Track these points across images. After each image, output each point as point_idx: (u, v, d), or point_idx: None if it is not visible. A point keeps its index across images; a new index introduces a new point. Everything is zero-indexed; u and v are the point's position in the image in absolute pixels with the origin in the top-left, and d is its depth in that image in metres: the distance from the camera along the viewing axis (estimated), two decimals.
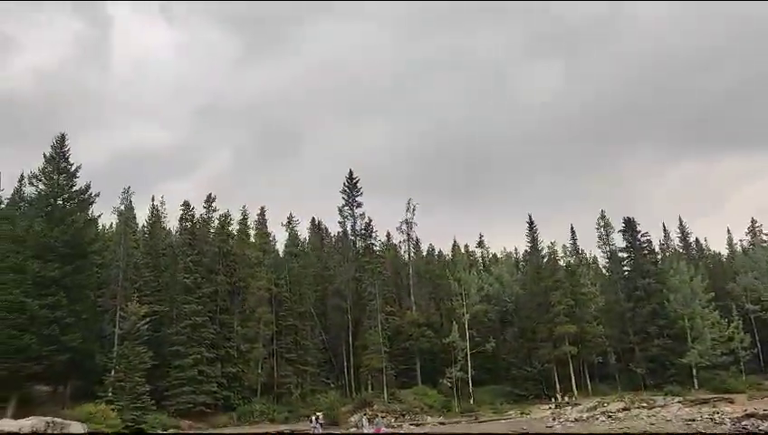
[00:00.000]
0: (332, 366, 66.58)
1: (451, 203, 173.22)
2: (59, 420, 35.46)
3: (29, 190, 52.64)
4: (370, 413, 51.08)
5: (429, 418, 53.84)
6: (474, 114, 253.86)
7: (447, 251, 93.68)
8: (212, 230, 62.40)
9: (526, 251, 78.58)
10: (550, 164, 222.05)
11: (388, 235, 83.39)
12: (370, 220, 68.18)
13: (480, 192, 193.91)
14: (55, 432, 33.84)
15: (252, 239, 67.48)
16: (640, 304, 65.97)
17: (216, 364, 53.38)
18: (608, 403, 51.20)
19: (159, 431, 43.37)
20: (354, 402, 56.86)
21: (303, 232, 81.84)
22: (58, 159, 49.76)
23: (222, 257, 59.71)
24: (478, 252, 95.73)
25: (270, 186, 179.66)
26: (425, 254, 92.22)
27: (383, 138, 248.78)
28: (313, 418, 43.67)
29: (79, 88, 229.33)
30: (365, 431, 42.38)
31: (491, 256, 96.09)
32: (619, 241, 73.28)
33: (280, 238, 74.76)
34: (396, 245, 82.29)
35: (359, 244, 69.31)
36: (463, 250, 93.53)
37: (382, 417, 49.73)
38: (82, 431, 35.51)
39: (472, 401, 59.50)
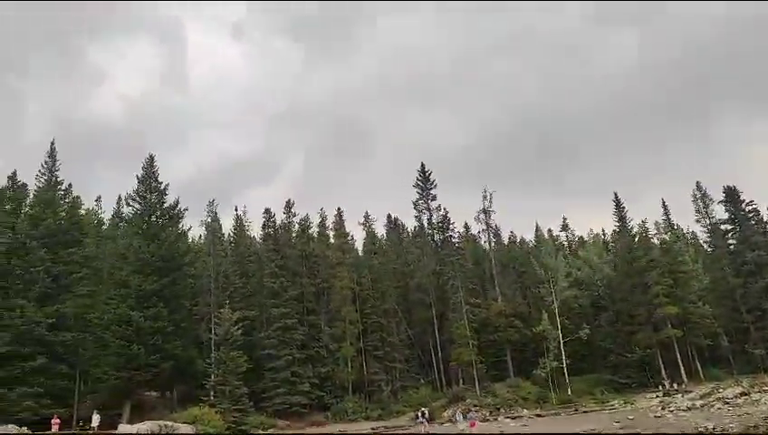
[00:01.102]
0: (420, 361, 66.59)
1: (528, 187, 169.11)
2: (170, 423, 37.89)
3: (126, 210, 56.57)
4: (464, 407, 50.54)
5: (525, 411, 52.54)
6: (546, 93, 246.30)
7: (530, 237, 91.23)
8: (293, 234, 64.13)
9: (615, 231, 74.84)
10: (632, 137, 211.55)
11: (466, 226, 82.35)
12: (447, 212, 67.59)
13: (559, 173, 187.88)
14: (169, 433, 36.26)
15: (331, 240, 68.77)
16: (751, 280, 60.73)
17: (307, 365, 54.79)
18: (723, 389, 46.79)
19: (260, 432, 45.07)
20: (446, 397, 56.52)
21: (381, 229, 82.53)
22: (149, 179, 53.06)
23: (304, 260, 61.27)
24: (563, 236, 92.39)
25: (345, 185, 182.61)
26: (506, 242, 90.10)
27: (453, 127, 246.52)
28: (419, 413, 43.90)
29: (162, 109, 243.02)
30: (459, 426, 42.00)
31: (577, 239, 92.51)
32: (720, 213, 68.30)
33: (358, 237, 75.75)
34: (475, 235, 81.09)
35: (437, 237, 68.84)
36: (546, 235, 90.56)
37: (476, 411, 49.13)
38: (191, 432, 37.70)
39: (569, 392, 57.40)
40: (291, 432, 47.33)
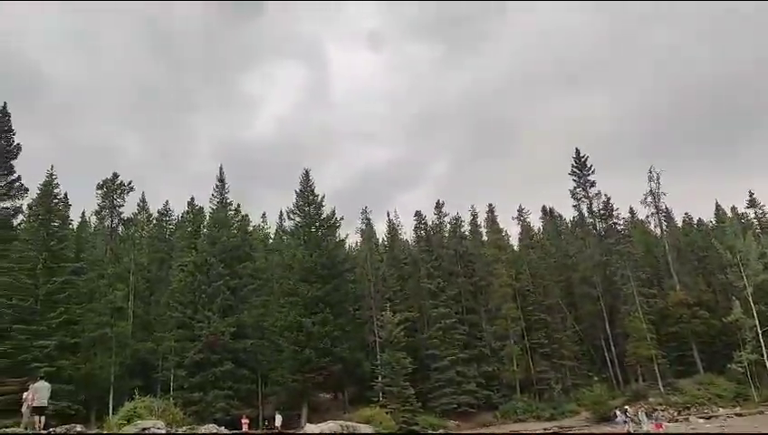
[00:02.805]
0: (592, 358, 62.46)
1: (698, 164, 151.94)
2: (351, 423, 39.43)
3: (288, 223, 60.65)
4: (647, 407, 46.25)
5: (721, 410, 46.76)
6: (708, 58, 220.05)
7: (708, 218, 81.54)
8: (445, 235, 63.96)
9: None
10: None
11: (632, 211, 75.98)
12: (608, 198, 62.77)
13: (733, 144, 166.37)
14: (351, 433, 37.81)
15: (485, 238, 67.44)
16: None
17: (471, 364, 54.11)
18: None
19: (430, 432, 45.26)
20: (625, 396, 52.33)
21: (536, 222, 79.17)
22: (306, 193, 56.34)
23: (459, 259, 60.80)
24: (750, 213, 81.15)
25: (493, 181, 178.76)
26: (680, 225, 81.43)
27: (605, 108, 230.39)
28: (618, 412, 40.93)
29: (312, 125, 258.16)
30: (643, 427, 38.25)
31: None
32: None
33: (513, 233, 73.40)
34: (643, 220, 74.45)
35: (599, 225, 64.24)
36: (729, 213, 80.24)
37: (661, 410, 44.77)
38: (371, 432, 38.90)
39: None
40: (464, 433, 46.91)
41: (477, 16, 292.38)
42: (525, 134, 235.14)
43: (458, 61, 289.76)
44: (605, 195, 63.25)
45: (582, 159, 64.96)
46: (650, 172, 65.12)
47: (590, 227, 66.11)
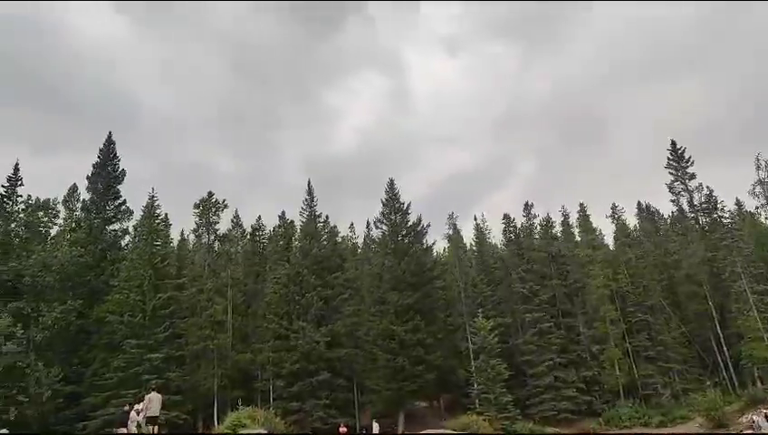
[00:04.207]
0: (702, 361, 58.34)
1: None
2: (450, 431, 39.00)
3: (375, 233, 61.23)
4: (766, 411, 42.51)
5: None
6: None
7: None
8: (536, 237, 62.18)
9: None
10: None
11: (738, 202, 70.66)
12: (711, 190, 58.71)
13: None
14: None
15: (577, 238, 64.97)
16: None
17: (569, 369, 52.09)
18: None
19: None
20: (742, 400, 48.38)
21: (631, 220, 75.28)
22: (392, 202, 56.70)
23: (551, 261, 58.81)
24: None
25: (583, 179, 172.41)
26: None
27: (700, 95, 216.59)
28: (754, 417, 38.17)
29: (394, 134, 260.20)
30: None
31: None
32: None
33: (607, 231, 70.26)
34: (752, 212, 69.05)
35: (702, 220, 60.19)
36: None
37: None
38: None
39: None
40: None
41: (558, 11, 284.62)
42: (615, 128, 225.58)
43: (540, 57, 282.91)
44: (706, 187, 59.42)
45: (679, 151, 61.22)
46: (757, 160, 60.43)
47: (692, 221, 62.07)
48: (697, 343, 58.75)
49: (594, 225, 66.53)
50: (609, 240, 69.38)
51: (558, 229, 63.91)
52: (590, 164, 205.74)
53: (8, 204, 49.63)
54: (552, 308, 55.34)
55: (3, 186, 49.67)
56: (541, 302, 54.41)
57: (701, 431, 41.81)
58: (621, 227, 66.73)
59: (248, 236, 66.19)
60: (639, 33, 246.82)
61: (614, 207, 67.35)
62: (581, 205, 65.75)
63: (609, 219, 67.49)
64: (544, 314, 53.52)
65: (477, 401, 47.82)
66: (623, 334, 54.41)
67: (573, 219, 65.97)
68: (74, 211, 56.28)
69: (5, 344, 39.65)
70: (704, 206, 59.35)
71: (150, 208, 52.83)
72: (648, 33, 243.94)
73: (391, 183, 57.65)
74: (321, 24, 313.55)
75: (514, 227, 61.96)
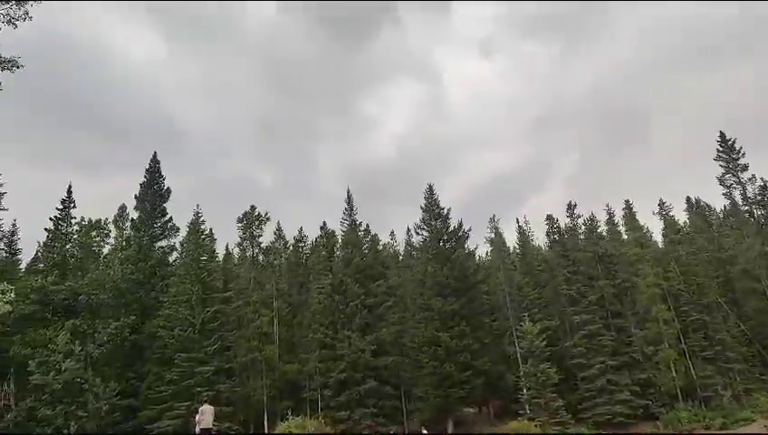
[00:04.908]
0: (764, 359, 55.66)
1: None
2: None
3: (416, 239, 61.08)
4: None
5: None
6: None
7: None
8: (580, 237, 60.77)
9: None
10: None
11: None
12: (765, 182, 56.20)
13: None
14: None
15: (624, 237, 63.20)
16: None
17: (622, 372, 50.51)
18: None
19: None
20: None
21: (680, 215, 72.80)
22: (431, 207, 56.50)
23: (598, 262, 57.30)
24: None
25: (627, 175, 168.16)
26: None
27: (745, 84, 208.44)
28: None
29: (431, 138, 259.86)
30: None
31: None
32: None
33: (655, 229, 68.10)
34: None
35: (757, 213, 57.66)
36: None
37: None
38: None
39: None
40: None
41: (594, 5, 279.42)
42: (660, 122, 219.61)
43: (579, 53, 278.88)
44: (761, 179, 56.86)
45: (729, 142, 58.94)
46: None
47: (747, 215, 59.53)
48: (758, 340, 56.14)
49: (641, 222, 64.72)
50: (657, 237, 67.33)
51: (603, 228, 62.29)
52: (633, 160, 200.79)
53: (63, 226, 51.84)
54: (600, 309, 53.87)
55: (57, 208, 52.02)
56: (589, 303, 53.08)
57: (765, 433, 39.83)
58: (670, 223, 64.58)
59: (291, 248, 67.05)
60: (683, 21, 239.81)
61: (661, 203, 65.28)
62: (627, 202, 64.04)
63: (657, 216, 65.45)
64: (593, 316, 52.15)
65: (527, 406, 46.90)
66: (677, 334, 52.41)
67: (618, 217, 64.27)
68: (124, 230, 58.16)
69: (65, 361, 41.25)
70: (758, 198, 56.88)
71: (196, 224, 54.19)
72: (690, 21, 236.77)
73: (430, 189, 57.49)
74: (355, 35, 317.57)
75: (558, 227, 60.71)
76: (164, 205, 56.53)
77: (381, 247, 68.89)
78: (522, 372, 48.47)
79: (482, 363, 48.52)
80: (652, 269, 54.10)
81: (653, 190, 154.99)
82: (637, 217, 63.29)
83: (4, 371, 42.39)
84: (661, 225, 65.46)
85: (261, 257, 59.73)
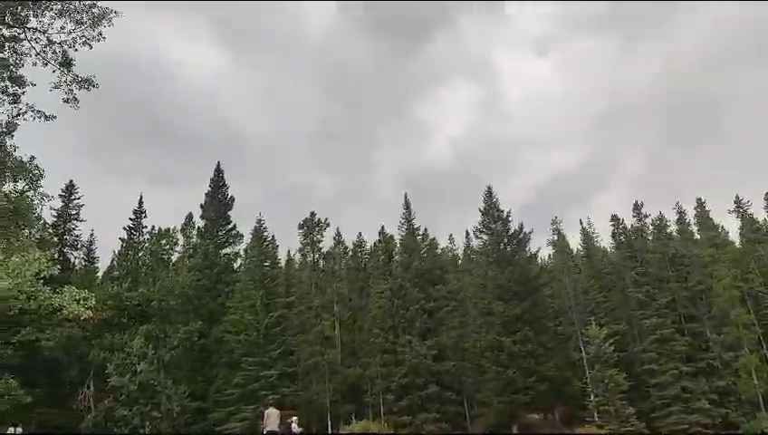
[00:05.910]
0: None
1: None
2: None
3: (475, 242, 60.42)
4: None
5: None
6: None
7: None
8: (649, 237, 58.23)
9: None
10: None
11: None
12: None
13: None
14: None
15: (696, 237, 60.13)
16: None
17: (699, 379, 47.92)
18: None
19: None
20: None
21: (759, 213, 68.51)
22: (491, 210, 55.65)
23: (668, 263, 54.69)
24: None
25: (697, 172, 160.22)
26: None
27: None
28: None
29: (489, 140, 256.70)
30: None
31: None
32: None
33: (731, 227, 64.35)
34: None
35: None
36: None
37: None
38: None
39: None
40: None
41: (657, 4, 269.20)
42: (732, 115, 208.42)
43: (641, 47, 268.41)
44: None
45: None
46: None
47: None
48: None
49: (716, 220, 61.48)
50: (734, 237, 63.66)
51: (673, 228, 59.42)
52: (704, 156, 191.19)
53: (135, 235, 54.47)
54: (672, 313, 51.30)
55: (130, 219, 54.79)
56: (659, 307, 50.66)
57: None
58: (749, 221, 60.91)
59: (350, 253, 67.67)
60: (754, 8, 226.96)
61: (738, 201, 61.66)
62: (699, 200, 60.96)
63: (734, 214, 61.89)
64: (664, 320, 49.71)
65: (596, 413, 45.31)
66: (759, 339, 49.36)
67: (690, 217, 61.24)
68: (191, 238, 60.38)
69: (140, 364, 43.31)
70: None
71: (259, 232, 55.68)
72: (763, 7, 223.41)
73: (489, 191, 56.61)
74: (409, 39, 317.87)
75: (624, 228, 58.36)
76: (228, 213, 58.34)
77: (440, 251, 68.45)
78: (588, 378, 46.90)
79: (546, 369, 47.28)
80: (729, 271, 51.20)
81: (725, 189, 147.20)
82: (710, 216, 60.19)
83: (85, 374, 44.93)
84: (738, 224, 61.92)
85: (321, 263, 60.60)
